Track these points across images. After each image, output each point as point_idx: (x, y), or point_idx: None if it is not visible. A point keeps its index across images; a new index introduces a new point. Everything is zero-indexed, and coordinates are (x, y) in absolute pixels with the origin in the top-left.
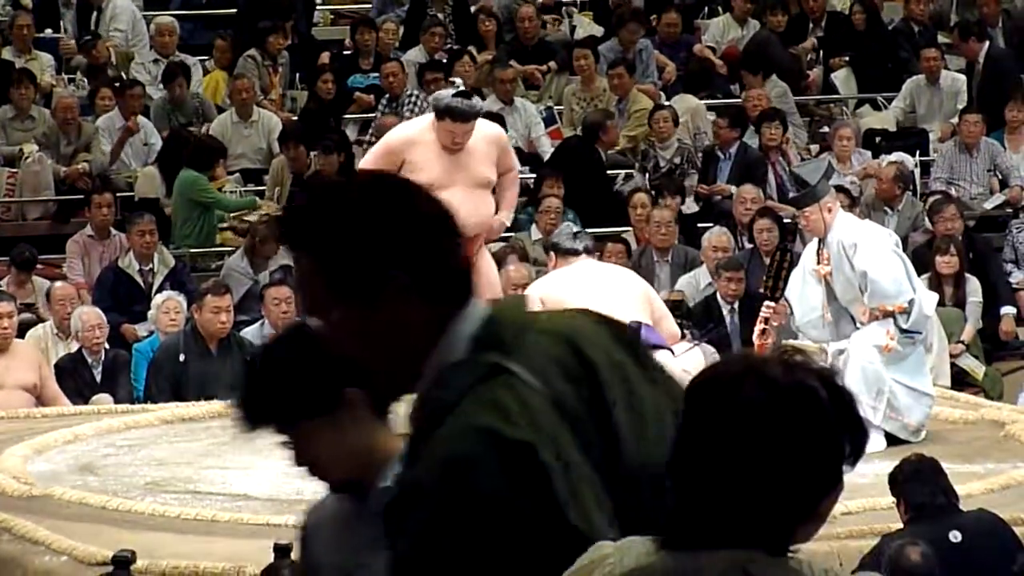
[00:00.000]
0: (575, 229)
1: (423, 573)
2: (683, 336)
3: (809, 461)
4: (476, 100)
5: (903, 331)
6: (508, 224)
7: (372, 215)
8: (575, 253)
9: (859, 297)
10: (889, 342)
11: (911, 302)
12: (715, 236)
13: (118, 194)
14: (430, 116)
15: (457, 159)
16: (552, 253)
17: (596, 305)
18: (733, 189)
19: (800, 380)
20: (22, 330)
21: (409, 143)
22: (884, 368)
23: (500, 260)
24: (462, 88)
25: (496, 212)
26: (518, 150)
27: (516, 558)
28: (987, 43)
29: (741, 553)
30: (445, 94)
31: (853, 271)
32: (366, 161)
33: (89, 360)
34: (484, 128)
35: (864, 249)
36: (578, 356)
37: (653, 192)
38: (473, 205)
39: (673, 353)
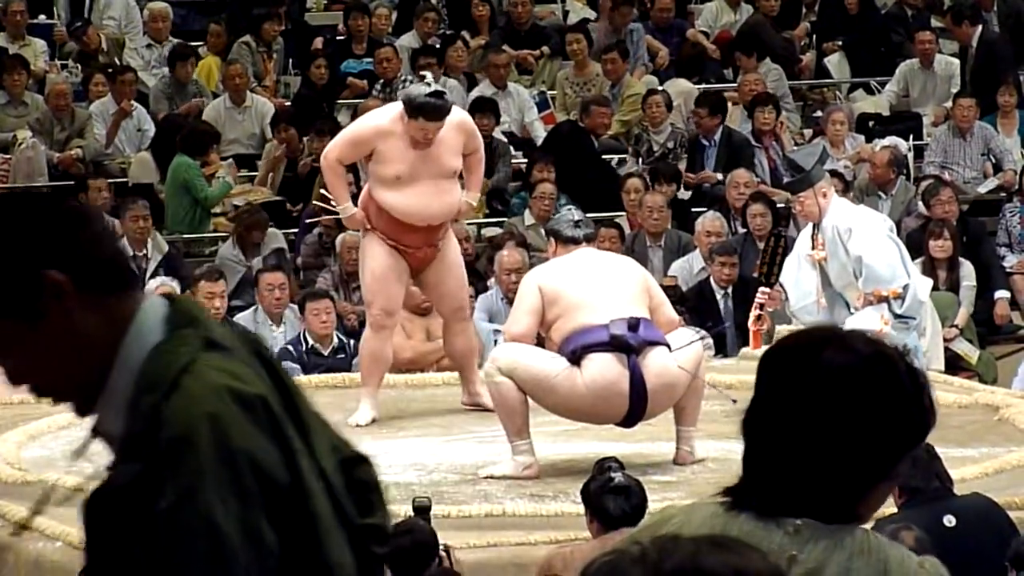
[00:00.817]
0: (577, 217)
1: (195, 525)
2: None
3: (886, 424)
4: (448, 97)
5: (897, 316)
6: (475, 205)
7: (10, 224)
8: (575, 242)
9: (853, 282)
10: (883, 327)
11: (905, 287)
12: (708, 221)
13: (111, 180)
14: (398, 107)
15: (426, 152)
16: (552, 239)
17: (594, 294)
18: (719, 176)
19: (880, 350)
20: None
21: (380, 133)
22: None
23: (499, 245)
24: (434, 85)
25: (463, 193)
26: (511, 135)
27: (265, 506)
28: (980, 27)
29: (799, 521)
30: (418, 91)
31: (848, 256)
32: (334, 146)
33: None
34: (451, 115)
35: (859, 234)
36: (250, 345)
37: (648, 177)
38: (439, 196)
39: (670, 348)
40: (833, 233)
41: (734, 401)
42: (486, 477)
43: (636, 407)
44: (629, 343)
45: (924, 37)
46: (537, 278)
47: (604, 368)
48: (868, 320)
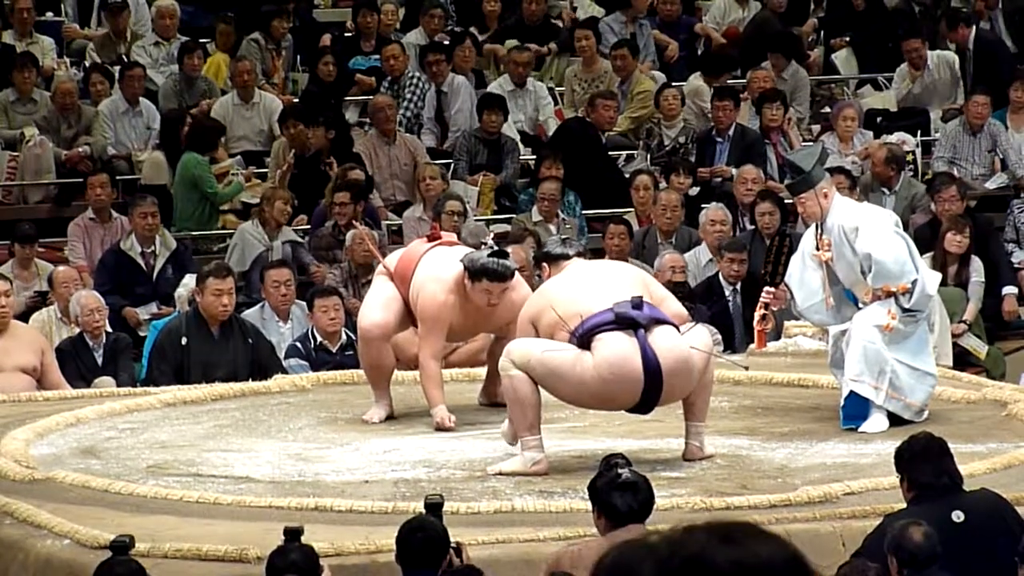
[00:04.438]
0: (563, 237)
1: None
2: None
3: None
4: (511, 258)
5: (905, 311)
6: None
7: None
8: (566, 257)
9: (861, 280)
10: (890, 321)
11: (914, 282)
12: (712, 211)
13: (121, 177)
14: (451, 272)
15: (484, 310)
16: (544, 264)
17: (592, 288)
18: (733, 171)
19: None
20: (29, 316)
21: (451, 307)
22: (886, 348)
23: (515, 240)
24: (495, 247)
25: None
26: (523, 133)
27: None
28: (974, 27)
29: None
30: (479, 254)
31: (855, 255)
32: (427, 344)
33: (90, 344)
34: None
35: (866, 232)
36: None
37: (662, 171)
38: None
39: (679, 329)
40: (839, 233)
41: (746, 368)
42: (495, 473)
43: (652, 385)
44: (635, 319)
45: (911, 45)
46: (544, 297)
47: (614, 346)
48: (876, 315)
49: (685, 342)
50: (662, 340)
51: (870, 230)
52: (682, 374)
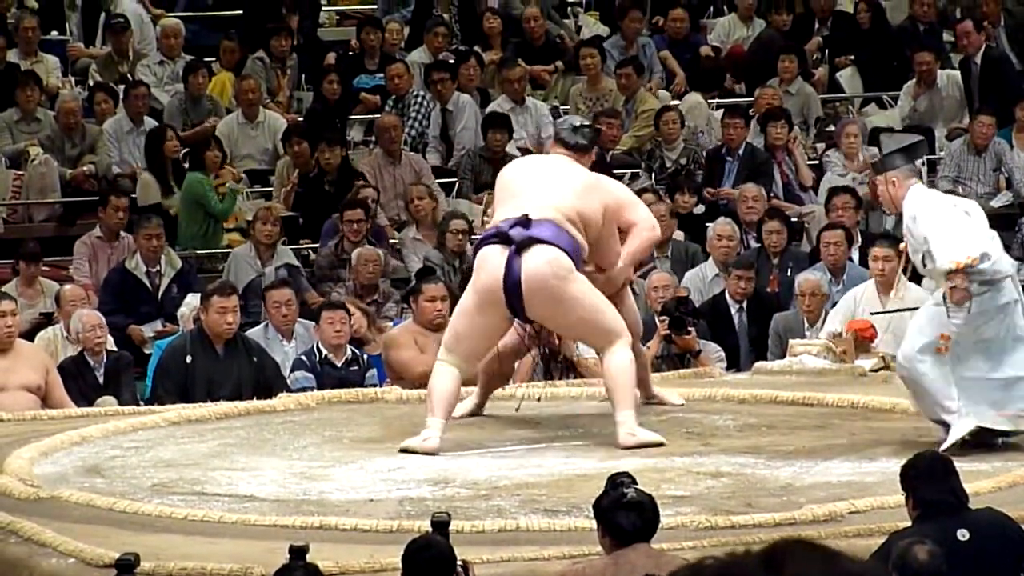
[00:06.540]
0: (578, 123)
1: None
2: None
3: None
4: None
5: (983, 283)
6: None
7: None
8: (565, 145)
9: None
10: (942, 343)
11: (984, 255)
12: (720, 226)
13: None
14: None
15: None
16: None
17: (527, 188)
18: (735, 192)
19: None
20: (34, 334)
21: None
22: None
23: None
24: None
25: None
26: (526, 151)
27: None
28: (984, 44)
29: None
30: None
31: (917, 242)
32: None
33: (91, 362)
34: None
35: (922, 218)
36: None
37: (667, 191)
38: None
39: (566, 253)
40: (906, 225)
41: (516, 409)
42: (401, 450)
43: (511, 297)
44: (508, 236)
45: (922, 58)
46: (504, 170)
47: (484, 259)
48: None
49: (552, 264)
50: (527, 259)
51: (925, 215)
52: (540, 292)
